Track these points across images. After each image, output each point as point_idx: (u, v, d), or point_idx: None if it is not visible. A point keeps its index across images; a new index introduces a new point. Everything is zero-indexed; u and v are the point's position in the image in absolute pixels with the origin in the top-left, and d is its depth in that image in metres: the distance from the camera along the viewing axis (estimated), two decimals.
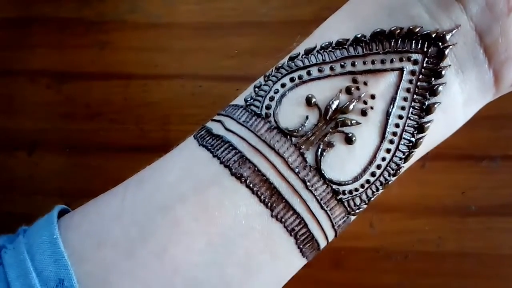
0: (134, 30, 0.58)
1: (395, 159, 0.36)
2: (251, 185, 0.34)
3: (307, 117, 0.35)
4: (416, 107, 0.35)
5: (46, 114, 0.59)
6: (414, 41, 0.34)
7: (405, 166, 0.36)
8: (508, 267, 0.51)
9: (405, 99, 0.35)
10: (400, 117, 0.35)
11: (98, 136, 0.58)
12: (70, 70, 0.59)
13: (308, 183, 0.35)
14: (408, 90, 0.35)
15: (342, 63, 0.35)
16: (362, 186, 0.36)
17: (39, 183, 0.59)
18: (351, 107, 0.34)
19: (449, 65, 0.34)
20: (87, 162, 0.58)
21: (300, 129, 0.35)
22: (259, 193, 0.34)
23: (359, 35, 0.35)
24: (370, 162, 0.35)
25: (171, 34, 0.58)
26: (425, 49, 0.34)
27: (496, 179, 0.51)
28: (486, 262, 0.51)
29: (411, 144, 0.35)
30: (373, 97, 0.35)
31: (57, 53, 0.60)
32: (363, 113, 0.35)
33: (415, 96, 0.35)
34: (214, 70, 0.57)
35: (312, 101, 0.35)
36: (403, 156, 0.36)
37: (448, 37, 0.34)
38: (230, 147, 0.35)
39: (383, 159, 0.35)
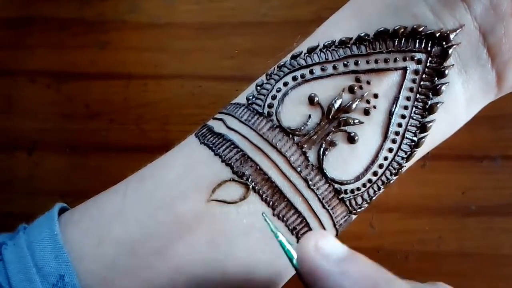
0: (134, 30, 0.58)
1: (397, 158, 0.36)
2: (252, 184, 0.34)
3: (309, 116, 0.35)
4: (419, 106, 0.35)
5: (46, 114, 0.59)
6: (417, 41, 0.34)
7: (407, 165, 0.37)
8: (508, 267, 0.51)
9: (408, 98, 0.35)
10: (403, 116, 0.35)
11: (98, 136, 0.58)
12: (70, 70, 0.59)
13: (310, 182, 0.35)
14: (411, 89, 0.35)
15: (345, 62, 0.35)
16: (364, 185, 0.36)
17: (39, 183, 0.59)
18: (354, 106, 0.35)
19: (453, 65, 0.34)
20: (87, 162, 0.58)
21: (302, 128, 0.35)
22: (260, 191, 0.35)
23: (362, 34, 0.35)
24: (372, 162, 0.35)
25: (171, 34, 0.58)
26: (429, 49, 0.34)
27: (496, 179, 0.51)
28: (486, 262, 0.51)
29: (413, 143, 0.35)
30: (376, 96, 0.35)
31: (57, 53, 0.59)
32: (366, 112, 0.35)
33: (418, 95, 0.35)
34: (214, 70, 0.56)
35: (315, 100, 0.35)
36: (405, 156, 0.36)
37: (452, 36, 0.34)
38: (232, 146, 0.35)
39: (385, 158, 0.35)
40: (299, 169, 0.35)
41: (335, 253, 0.28)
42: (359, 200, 0.36)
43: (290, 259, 0.30)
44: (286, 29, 0.55)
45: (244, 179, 0.34)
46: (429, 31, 0.34)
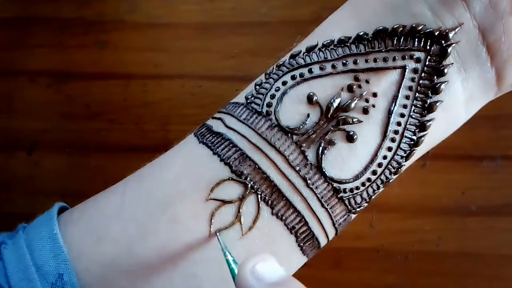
0: (134, 30, 0.58)
1: (396, 157, 0.36)
2: (251, 183, 0.34)
3: (308, 115, 0.35)
4: (418, 105, 0.35)
5: (46, 114, 0.59)
6: (416, 39, 0.34)
7: (406, 164, 0.37)
8: (508, 267, 0.51)
9: (407, 97, 0.35)
10: (402, 115, 0.35)
11: (98, 136, 0.58)
12: (70, 70, 0.59)
13: (309, 181, 0.35)
14: (410, 88, 0.35)
15: (344, 61, 0.35)
16: (363, 184, 0.36)
17: (39, 183, 0.59)
18: (352, 105, 0.34)
19: (452, 63, 0.34)
20: (87, 162, 0.58)
21: (301, 127, 0.35)
22: (259, 190, 0.34)
23: (361, 33, 0.35)
24: (371, 161, 0.35)
25: (171, 34, 0.58)
26: (428, 47, 0.34)
27: (496, 179, 0.51)
28: (486, 262, 0.51)
29: (412, 142, 0.35)
30: (375, 95, 0.35)
31: (57, 53, 0.59)
32: (365, 111, 0.35)
33: (417, 94, 0.35)
34: (214, 70, 0.57)
35: (314, 99, 0.35)
36: (405, 155, 0.36)
37: (451, 35, 0.34)
38: (231, 145, 0.35)
39: (385, 157, 0.35)
40: (297, 168, 0.35)
41: (270, 277, 0.27)
42: (358, 199, 0.36)
43: (233, 278, 0.30)
44: (286, 29, 0.55)
45: (243, 178, 0.34)
46: (428, 30, 0.34)
